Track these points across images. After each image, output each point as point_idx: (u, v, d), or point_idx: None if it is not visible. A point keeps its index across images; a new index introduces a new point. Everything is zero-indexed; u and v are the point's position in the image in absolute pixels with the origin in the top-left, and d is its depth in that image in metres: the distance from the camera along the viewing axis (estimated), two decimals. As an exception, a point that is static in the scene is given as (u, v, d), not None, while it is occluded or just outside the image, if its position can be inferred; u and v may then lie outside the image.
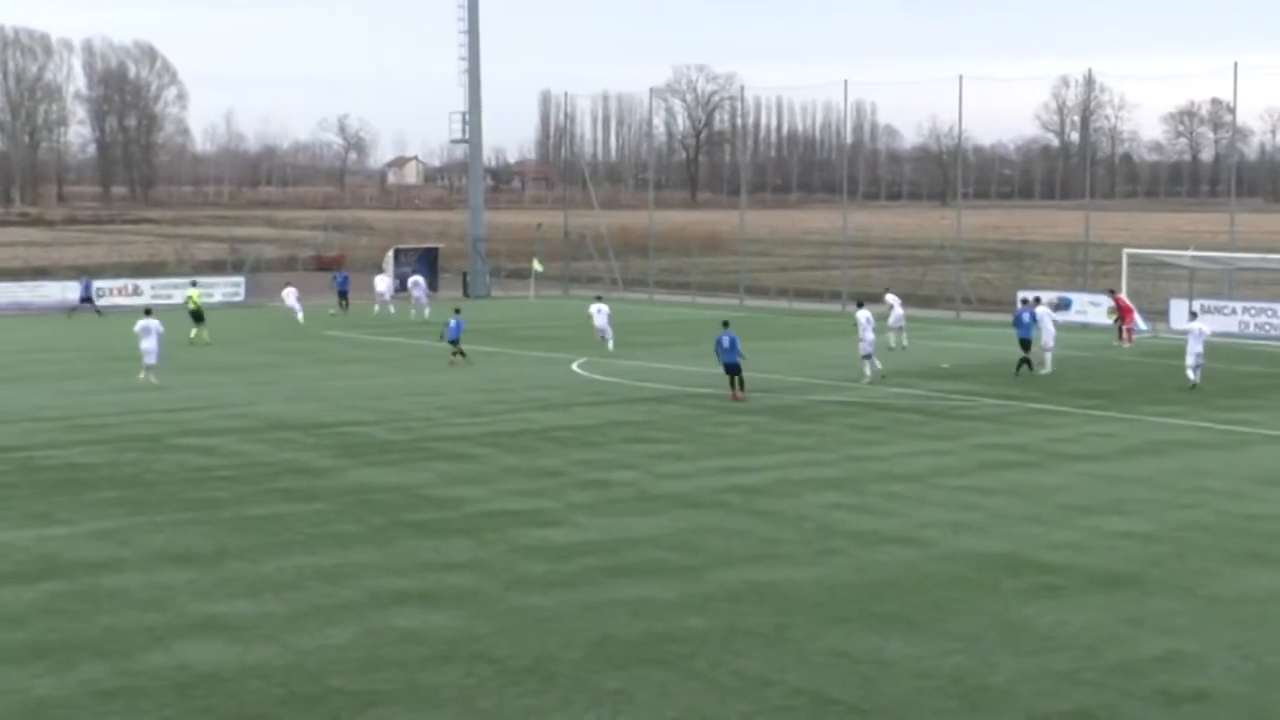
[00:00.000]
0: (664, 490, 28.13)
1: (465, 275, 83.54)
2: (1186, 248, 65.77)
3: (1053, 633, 19.10)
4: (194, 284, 62.53)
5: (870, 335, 43.96)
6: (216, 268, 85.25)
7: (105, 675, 17.37)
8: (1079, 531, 24.79)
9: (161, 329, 44.48)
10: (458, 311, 51.39)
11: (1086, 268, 69.97)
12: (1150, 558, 23.04)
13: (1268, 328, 57.59)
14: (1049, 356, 46.00)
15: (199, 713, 16.27)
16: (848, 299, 71.35)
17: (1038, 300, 49.24)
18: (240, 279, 78.02)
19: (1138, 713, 16.36)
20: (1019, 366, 45.10)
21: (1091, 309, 61.18)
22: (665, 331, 60.72)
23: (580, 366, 47.95)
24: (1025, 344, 45.33)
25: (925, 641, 18.69)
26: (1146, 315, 60.16)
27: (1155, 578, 21.88)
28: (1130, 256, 60.80)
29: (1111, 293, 58.32)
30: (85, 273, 75.69)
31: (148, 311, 46.50)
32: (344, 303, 68.09)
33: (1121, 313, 55.62)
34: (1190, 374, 42.53)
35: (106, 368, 47.88)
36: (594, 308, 54.46)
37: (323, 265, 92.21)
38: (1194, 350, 42.65)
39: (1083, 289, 63.72)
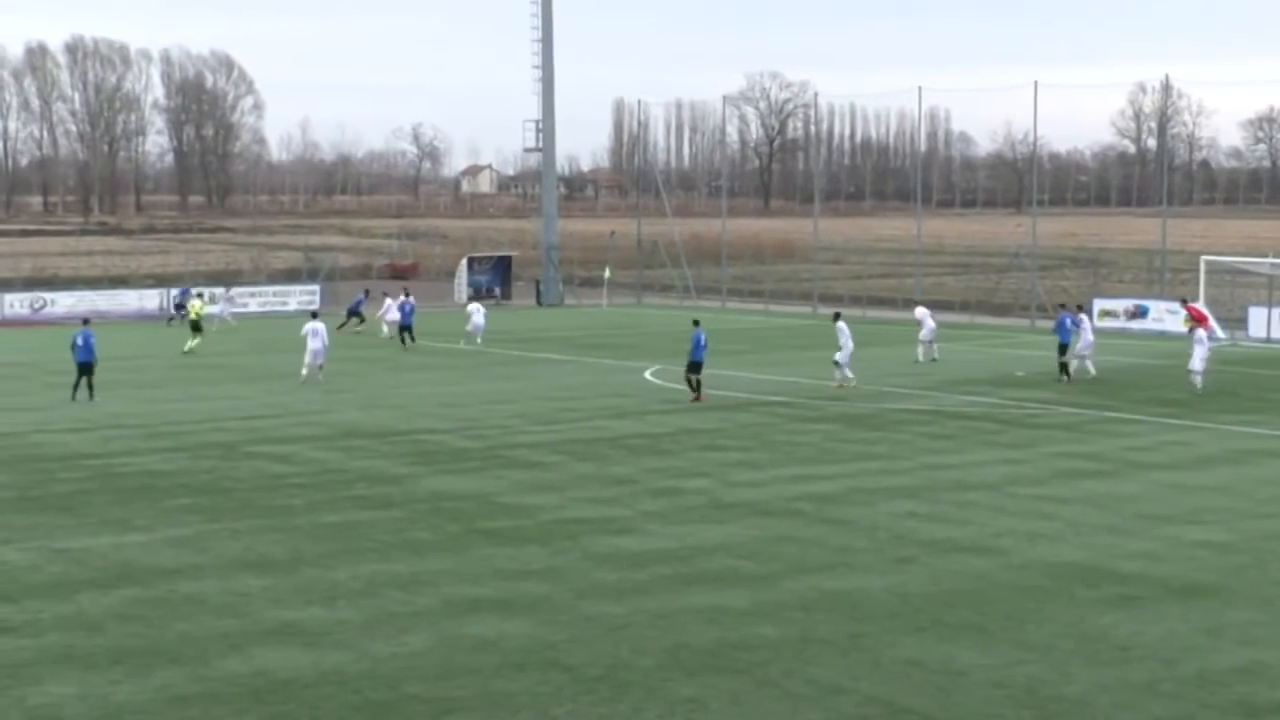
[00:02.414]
0: (736, 498, 28.11)
1: (538, 283, 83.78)
2: (1265, 255, 65.03)
3: (1129, 643, 18.94)
4: (199, 295, 62.58)
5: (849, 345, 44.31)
6: (291, 276, 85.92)
7: (182, 681, 17.52)
8: (1156, 541, 24.58)
9: (325, 332, 46.51)
10: (406, 294, 57.44)
11: (1164, 275, 69.37)
12: (1228, 568, 22.81)
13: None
14: (1089, 363, 46.57)
15: (275, 718, 16.39)
16: (905, 305, 71.07)
17: (1080, 308, 49.84)
18: (315, 287, 78.58)
19: (1216, 724, 16.20)
20: (1062, 371, 45.75)
21: (1169, 316, 60.64)
22: (738, 339, 60.64)
23: (653, 375, 47.97)
24: (1064, 348, 46.16)
25: (999, 651, 18.58)
26: (1224, 323, 59.56)
27: (1233, 588, 21.67)
28: (1208, 264, 60.27)
29: (1184, 301, 57.79)
30: (182, 281, 77.20)
31: (314, 315, 48.98)
32: (359, 320, 63.88)
33: (1196, 321, 55.07)
34: (1196, 380, 42.97)
35: (183, 375, 48.33)
36: (472, 307, 59.47)
37: (397, 273, 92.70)
38: (1198, 356, 43.14)
39: (1159, 296, 63.14)
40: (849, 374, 44.62)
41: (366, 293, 66.19)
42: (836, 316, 46.37)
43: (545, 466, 31.57)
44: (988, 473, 30.74)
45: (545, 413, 39.51)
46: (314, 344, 45.94)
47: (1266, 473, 30.90)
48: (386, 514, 26.79)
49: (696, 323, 43.81)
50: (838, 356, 44.52)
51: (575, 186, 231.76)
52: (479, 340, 58.22)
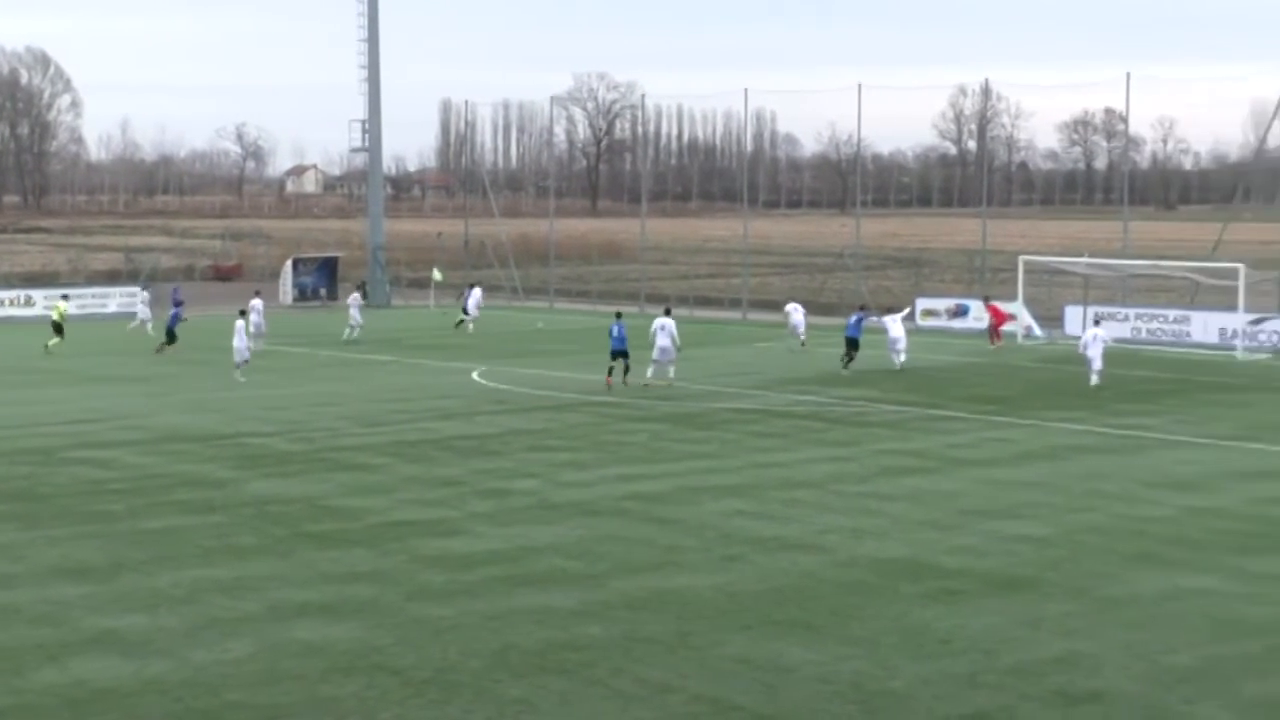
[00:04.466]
0: (564, 498, 28.11)
1: (364, 284, 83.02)
2: (1081, 254, 66.55)
3: (951, 636, 19.27)
4: (64, 297, 61.75)
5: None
6: (112, 277, 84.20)
7: (-2, 692, 17.10)
8: (976, 536, 25.04)
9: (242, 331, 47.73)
10: (179, 304, 56.69)
11: (984, 275, 70.66)
12: (1046, 561, 23.30)
13: (1160, 333, 58.44)
14: (896, 356, 49.37)
15: (94, 729, 16.06)
16: (748, 306, 71.76)
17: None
18: (137, 288, 77.04)
19: (1035, 714, 16.54)
20: (845, 360, 48.70)
21: (989, 316, 61.75)
22: (566, 340, 60.69)
23: (480, 375, 47.82)
24: (852, 343, 48.98)
25: (826, 647, 18.79)
26: (1042, 322, 60.89)
27: (1051, 580, 22.14)
28: (1026, 263, 61.47)
29: (986, 300, 60.18)
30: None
31: (242, 313, 50.46)
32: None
33: (992, 317, 57.52)
34: (1094, 377, 44.34)
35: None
36: (351, 299, 61.72)
37: (220, 275, 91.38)
38: (1094, 354, 44.59)
39: (980, 296, 64.24)
40: (670, 372, 45.07)
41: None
42: (666, 312, 47.17)
43: (372, 469, 31.32)
44: (814, 471, 31.08)
45: (372, 415, 39.19)
46: (239, 341, 47.33)
47: (1083, 467, 31.61)
48: (209, 519, 26.37)
49: (619, 315, 46.69)
50: (661, 356, 45.09)
51: (402, 187, 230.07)
52: (356, 335, 59.62)
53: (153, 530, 25.43)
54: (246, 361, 47.23)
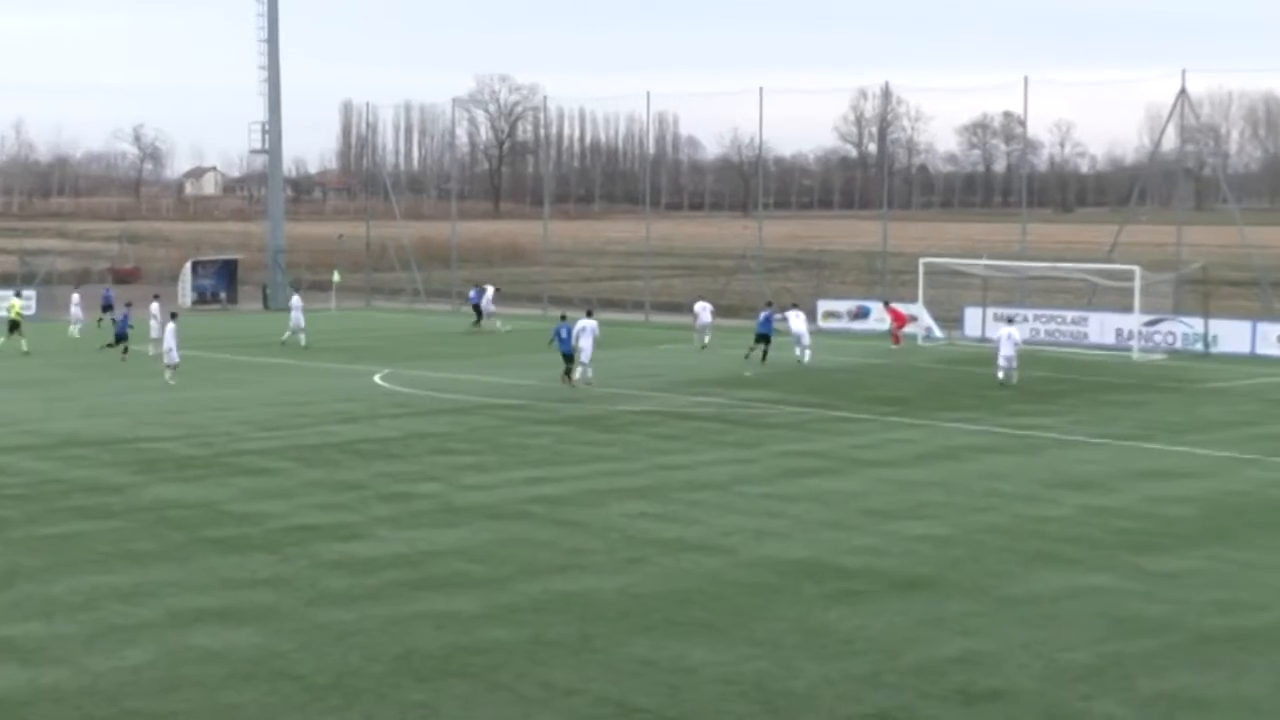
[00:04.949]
0: (468, 502, 28.03)
1: (265, 287, 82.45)
2: (980, 256, 67.16)
3: (853, 636, 19.39)
4: (18, 294, 61.54)
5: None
6: (6, 280, 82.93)
7: (-110, 702, 16.82)
8: (878, 536, 25.21)
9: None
10: (129, 305, 56.27)
11: (885, 277, 71.15)
12: (947, 560, 23.51)
13: (1057, 334, 59.12)
14: (802, 352, 51.25)
15: (-11, 738, 15.84)
16: (651, 309, 71.88)
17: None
18: (31, 292, 75.97)
19: (935, 712, 16.69)
20: (757, 354, 50.92)
21: (889, 318, 62.20)
22: (468, 342, 60.52)
23: (383, 379, 47.57)
24: (762, 338, 51.35)
25: (729, 648, 18.86)
26: (942, 323, 61.44)
27: (952, 580, 22.34)
28: (927, 265, 61.97)
29: (886, 303, 61.01)
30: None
31: (174, 316, 50.05)
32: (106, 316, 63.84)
33: (893, 319, 58.17)
34: (1000, 374, 45.44)
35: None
36: (293, 301, 59.96)
37: (119, 278, 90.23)
38: (1004, 354, 45.63)
39: (881, 298, 64.70)
40: (589, 374, 45.46)
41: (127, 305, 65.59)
42: (589, 314, 47.42)
43: (273, 473, 31.07)
44: (717, 472, 31.17)
45: (273, 418, 38.88)
46: (170, 341, 47.39)
47: (983, 467, 31.93)
48: (107, 524, 26.07)
49: (564, 317, 47.19)
50: (584, 357, 45.48)
51: (303, 189, 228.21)
52: (301, 339, 57.94)
53: (49, 537, 25.09)
54: (177, 365, 46.83)
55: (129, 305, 56.90)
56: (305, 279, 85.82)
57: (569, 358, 45.31)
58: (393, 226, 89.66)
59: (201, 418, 39.00)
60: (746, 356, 50.88)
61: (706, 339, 57.51)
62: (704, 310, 58.97)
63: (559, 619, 20.15)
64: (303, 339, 58.09)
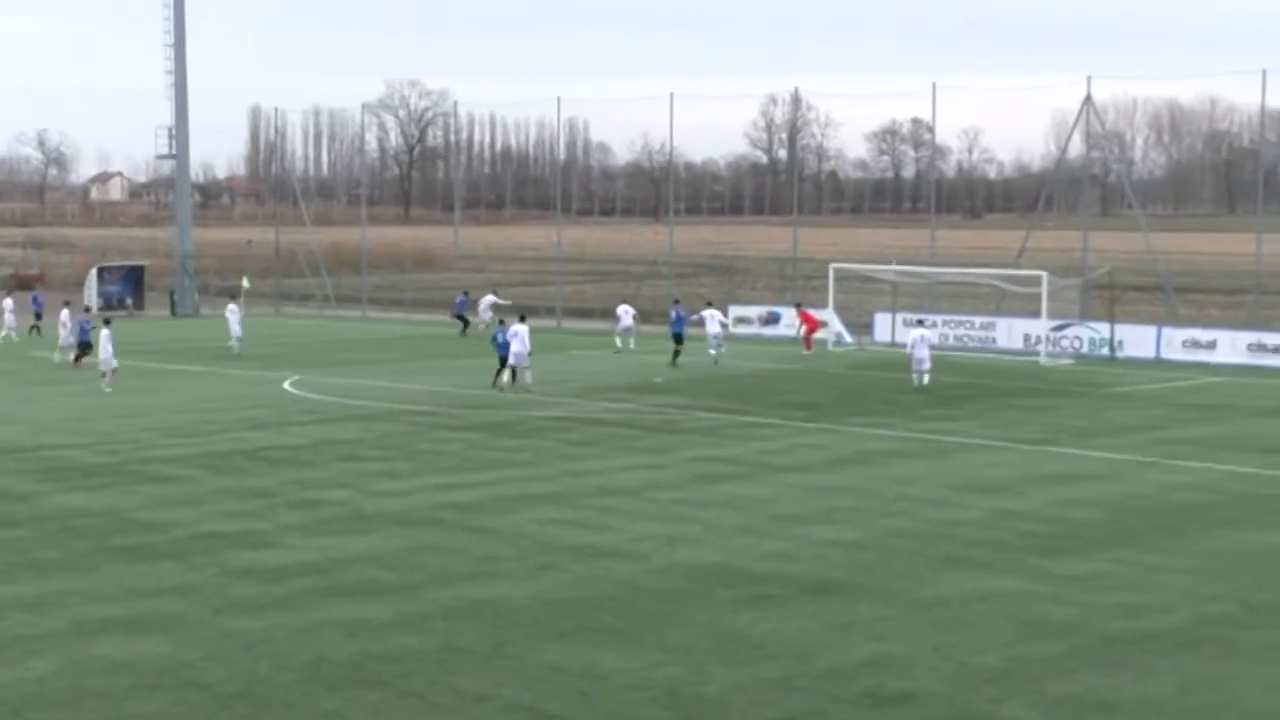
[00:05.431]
0: (378, 509, 27.87)
1: (173, 293, 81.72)
2: (890, 262, 67.62)
3: (764, 641, 19.44)
4: None
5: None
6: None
7: None
8: (789, 541, 25.29)
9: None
10: (88, 309, 56.96)
11: (795, 282, 71.48)
12: (857, 565, 23.62)
13: (965, 339, 59.61)
14: (717, 354, 52.92)
15: (-111, 752, 15.56)
16: (562, 314, 71.82)
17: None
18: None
19: (846, 716, 16.75)
20: (675, 359, 52.54)
21: (801, 323, 62.48)
22: (379, 349, 60.23)
23: (292, 385, 47.24)
24: (678, 338, 53.00)
25: (641, 654, 18.85)
26: (852, 329, 61.80)
27: (862, 584, 22.44)
28: (837, 271, 62.26)
29: (798, 306, 61.17)
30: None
31: (107, 322, 49.61)
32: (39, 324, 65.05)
33: (804, 323, 58.49)
34: (915, 379, 45.99)
35: None
36: (229, 309, 59.13)
37: (22, 284, 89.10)
38: (917, 355, 46.35)
39: (791, 303, 64.98)
40: (529, 377, 45.69)
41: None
42: (521, 319, 47.35)
43: (181, 481, 30.76)
44: (628, 478, 31.17)
45: (181, 426, 38.50)
46: (106, 350, 46.67)
47: (893, 472, 32.11)
48: (10, 533, 25.70)
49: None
50: (520, 361, 45.67)
51: (211, 194, 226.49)
52: (236, 347, 56.95)
53: (-49, 546, 24.72)
54: (114, 370, 46.32)
55: (88, 310, 56.87)
56: (213, 285, 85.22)
57: (504, 360, 45.74)
58: (302, 232, 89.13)
59: (107, 425, 38.56)
60: (673, 363, 51.75)
61: (631, 343, 58.21)
62: (625, 313, 59.60)
63: (470, 626, 20.07)
64: (236, 346, 57.23)
